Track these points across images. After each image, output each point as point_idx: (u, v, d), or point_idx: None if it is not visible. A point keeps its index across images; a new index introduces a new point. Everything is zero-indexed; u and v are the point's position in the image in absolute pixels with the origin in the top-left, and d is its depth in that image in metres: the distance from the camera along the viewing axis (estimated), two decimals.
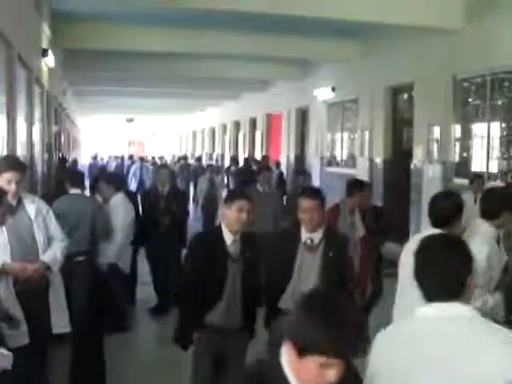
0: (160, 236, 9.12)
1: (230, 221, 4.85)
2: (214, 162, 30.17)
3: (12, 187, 4.95)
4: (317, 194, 5.33)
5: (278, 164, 21.34)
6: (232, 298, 4.87)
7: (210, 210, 15.55)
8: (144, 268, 9.59)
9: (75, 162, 23.01)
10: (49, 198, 5.76)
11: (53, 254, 5.25)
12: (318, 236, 5.16)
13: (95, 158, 32.65)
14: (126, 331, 8.18)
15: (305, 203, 5.13)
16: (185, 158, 29.07)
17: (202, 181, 16.21)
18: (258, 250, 5.03)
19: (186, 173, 24.09)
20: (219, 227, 4.91)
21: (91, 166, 27.88)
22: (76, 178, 7.64)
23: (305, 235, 5.17)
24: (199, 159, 27.86)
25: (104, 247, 7.67)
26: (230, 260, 4.84)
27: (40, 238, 5.17)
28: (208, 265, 4.77)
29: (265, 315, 5.30)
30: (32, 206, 5.18)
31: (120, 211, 8.01)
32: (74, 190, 7.27)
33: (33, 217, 5.15)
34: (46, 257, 5.18)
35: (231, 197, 5.01)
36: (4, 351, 3.85)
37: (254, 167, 22.40)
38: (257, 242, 5.05)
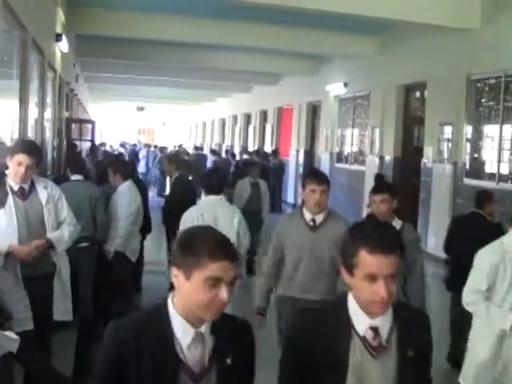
0: None
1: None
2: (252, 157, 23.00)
3: (21, 170, 4.92)
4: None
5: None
6: None
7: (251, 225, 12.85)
8: (152, 257, 9.57)
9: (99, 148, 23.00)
10: (59, 183, 5.73)
11: (60, 234, 5.23)
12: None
13: (123, 145, 33.13)
14: None
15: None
16: (201, 148, 29.08)
17: (244, 185, 11.94)
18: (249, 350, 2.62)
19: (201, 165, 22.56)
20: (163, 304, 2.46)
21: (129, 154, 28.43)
22: (77, 164, 7.62)
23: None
24: (229, 152, 26.68)
25: (110, 234, 7.66)
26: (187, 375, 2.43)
27: (49, 223, 5.15)
28: None
29: None
30: (44, 192, 5.15)
31: (124, 200, 7.98)
32: (75, 177, 7.26)
33: (44, 202, 5.12)
34: (51, 235, 5.16)
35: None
36: (11, 334, 3.85)
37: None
38: (248, 333, 2.63)
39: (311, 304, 4.65)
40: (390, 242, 2.48)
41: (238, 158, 25.65)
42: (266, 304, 5.43)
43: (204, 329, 2.40)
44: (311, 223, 5.14)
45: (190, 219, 6.21)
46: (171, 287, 2.43)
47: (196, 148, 29.58)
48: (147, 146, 32.51)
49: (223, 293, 2.30)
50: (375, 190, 5.43)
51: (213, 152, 27.52)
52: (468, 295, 4.64)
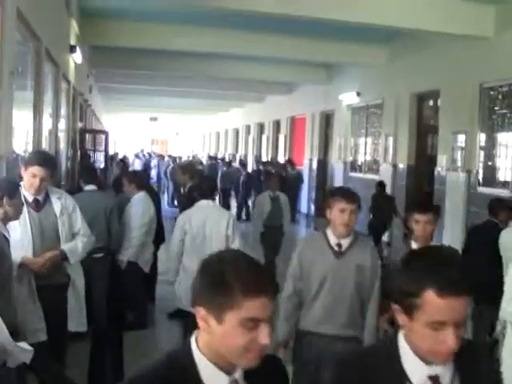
0: None
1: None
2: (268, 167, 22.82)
3: (35, 182, 4.95)
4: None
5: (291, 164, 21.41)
6: None
7: (271, 242, 11.29)
8: (165, 267, 9.53)
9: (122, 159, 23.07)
10: (72, 194, 5.76)
11: (74, 245, 5.24)
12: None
13: (137, 156, 33.51)
14: (144, 329, 8.20)
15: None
16: (215, 157, 29.17)
17: (263, 200, 11.41)
18: None
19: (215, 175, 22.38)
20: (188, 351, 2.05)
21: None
22: (90, 174, 7.65)
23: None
24: (242, 162, 26.12)
25: (124, 244, 7.69)
26: None
27: (63, 235, 5.16)
28: None
29: None
30: (58, 203, 5.16)
31: (138, 210, 8.01)
32: (88, 187, 7.29)
33: (58, 213, 5.14)
34: (65, 246, 5.17)
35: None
36: (25, 345, 3.86)
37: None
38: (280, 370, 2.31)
39: (329, 342, 4.47)
40: (462, 281, 2.06)
41: (254, 167, 25.68)
42: (289, 335, 4.77)
43: (238, 374, 2.02)
44: (336, 248, 4.60)
45: (181, 223, 6.64)
46: (186, 333, 2.18)
47: (210, 158, 29.72)
48: (160, 156, 32.83)
49: (263, 335, 1.91)
50: (421, 209, 4.85)
51: (222, 161, 27.68)
52: (510, 303, 4.56)
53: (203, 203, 6.76)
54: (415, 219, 4.80)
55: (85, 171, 7.89)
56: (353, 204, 4.56)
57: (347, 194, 4.67)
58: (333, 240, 4.61)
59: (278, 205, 11.23)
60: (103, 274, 6.89)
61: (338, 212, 4.54)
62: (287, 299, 4.73)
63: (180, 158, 31.03)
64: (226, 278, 1.91)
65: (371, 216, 14.02)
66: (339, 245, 4.59)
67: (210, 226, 6.59)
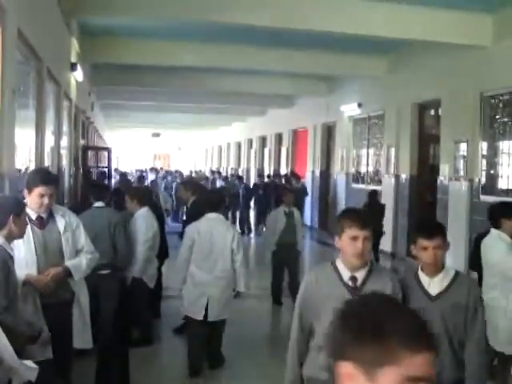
0: None
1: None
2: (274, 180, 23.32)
3: (45, 201, 4.96)
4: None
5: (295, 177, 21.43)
6: None
7: (283, 261, 10.68)
8: (170, 282, 9.53)
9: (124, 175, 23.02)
10: (75, 211, 5.77)
11: (78, 262, 5.23)
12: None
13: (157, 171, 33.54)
14: (150, 345, 8.20)
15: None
16: (218, 172, 29.18)
17: (278, 216, 10.69)
18: None
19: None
20: None
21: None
22: (100, 191, 7.68)
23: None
24: (238, 176, 25.65)
25: (128, 261, 7.69)
26: None
27: (67, 252, 5.16)
28: None
29: None
30: (62, 220, 5.17)
31: (141, 226, 8.04)
32: (97, 204, 7.32)
33: (62, 230, 5.15)
34: (69, 263, 5.16)
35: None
36: (30, 363, 3.86)
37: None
38: None
39: None
40: None
41: (256, 181, 25.71)
42: (298, 377, 4.04)
43: None
44: (350, 283, 3.89)
45: (190, 232, 7.17)
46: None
47: (213, 172, 29.80)
48: (153, 170, 32.85)
49: None
50: (427, 234, 4.05)
51: (219, 174, 27.94)
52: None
53: (211, 216, 7.23)
54: (422, 246, 4.04)
55: (95, 188, 7.90)
56: (366, 230, 3.83)
57: (359, 217, 3.91)
58: (345, 273, 3.91)
59: (293, 221, 10.68)
60: (111, 291, 6.87)
61: (349, 240, 3.82)
62: (295, 343, 4.05)
63: (178, 171, 30.99)
64: (382, 329, 1.57)
65: None
66: (354, 278, 3.89)
67: (216, 238, 7.08)
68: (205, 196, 8.32)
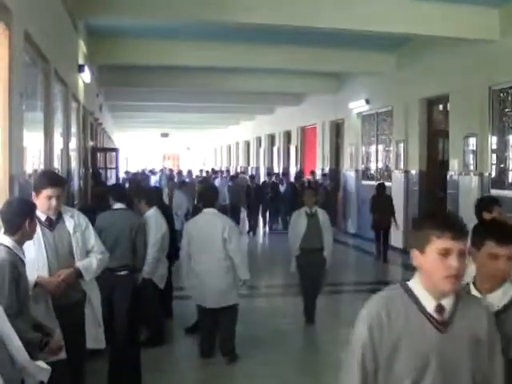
0: None
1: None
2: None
3: (53, 203, 4.96)
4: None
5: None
6: None
7: (309, 269, 9.48)
8: (180, 282, 9.49)
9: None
10: (85, 212, 5.76)
11: (88, 262, 5.22)
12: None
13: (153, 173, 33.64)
14: (162, 345, 8.20)
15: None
16: (228, 171, 29.29)
17: (299, 218, 9.58)
18: None
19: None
20: None
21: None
22: (119, 192, 7.65)
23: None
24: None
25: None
26: None
27: (78, 253, 5.16)
28: None
29: None
30: (71, 221, 5.16)
31: (151, 227, 8.03)
32: (117, 205, 7.29)
33: (71, 231, 5.14)
34: (80, 264, 5.15)
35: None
36: (43, 364, 3.86)
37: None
38: None
39: None
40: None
41: (266, 179, 25.67)
42: None
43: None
44: (436, 315, 2.79)
45: (187, 228, 7.81)
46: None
47: (214, 172, 29.92)
48: (150, 172, 33.14)
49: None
50: (502, 241, 3.18)
51: (215, 173, 28.64)
52: None
53: (206, 211, 7.78)
54: (493, 253, 3.18)
55: (114, 190, 7.87)
56: (463, 240, 2.77)
57: (456, 223, 2.82)
58: (428, 302, 2.81)
59: (317, 223, 9.44)
60: (126, 291, 6.87)
61: (437, 256, 2.72)
62: None
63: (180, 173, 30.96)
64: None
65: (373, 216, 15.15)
66: (440, 308, 2.80)
67: (208, 229, 7.56)
68: (202, 192, 8.74)
